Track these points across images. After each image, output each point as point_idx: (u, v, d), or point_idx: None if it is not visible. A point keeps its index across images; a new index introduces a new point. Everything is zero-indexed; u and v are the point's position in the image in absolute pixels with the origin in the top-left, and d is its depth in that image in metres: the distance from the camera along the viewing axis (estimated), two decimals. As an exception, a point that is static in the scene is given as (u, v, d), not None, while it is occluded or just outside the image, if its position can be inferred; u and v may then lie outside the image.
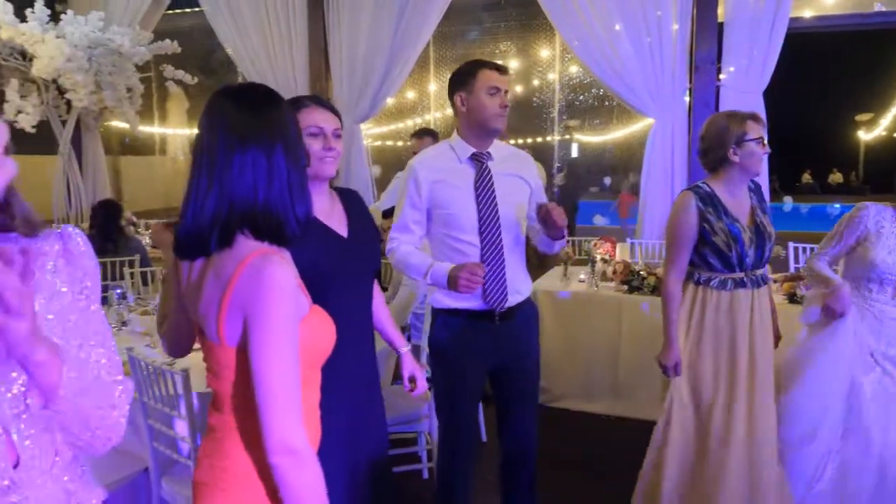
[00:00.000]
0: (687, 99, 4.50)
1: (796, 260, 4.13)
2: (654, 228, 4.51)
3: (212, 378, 1.19)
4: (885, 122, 17.69)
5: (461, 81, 2.06)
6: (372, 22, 5.05)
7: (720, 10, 4.35)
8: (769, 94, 4.26)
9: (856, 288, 2.34)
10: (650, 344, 3.28)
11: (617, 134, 8.63)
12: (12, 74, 5.07)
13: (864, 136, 19.06)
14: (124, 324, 2.98)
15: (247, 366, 1.07)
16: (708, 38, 4.35)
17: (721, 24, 4.35)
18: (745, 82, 4.30)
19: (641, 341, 3.55)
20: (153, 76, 6.20)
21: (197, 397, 2.06)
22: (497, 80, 2.02)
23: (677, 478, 2.24)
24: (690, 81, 4.46)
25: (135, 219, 5.90)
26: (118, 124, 6.38)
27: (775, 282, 3.56)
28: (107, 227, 4.20)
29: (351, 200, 1.74)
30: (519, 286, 2.12)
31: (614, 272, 3.83)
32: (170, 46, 5.43)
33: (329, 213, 1.65)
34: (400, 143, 8.41)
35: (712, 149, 2.18)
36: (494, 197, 2.05)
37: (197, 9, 5.64)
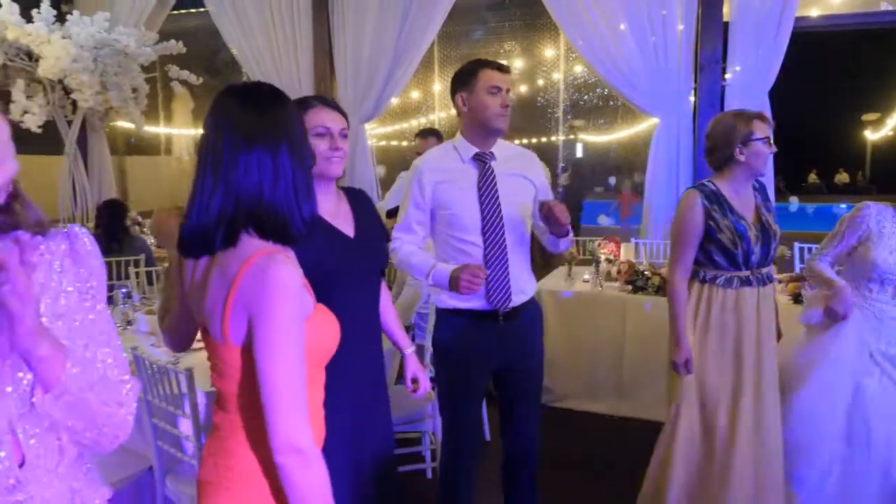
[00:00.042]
0: (692, 99, 4.48)
1: (801, 260, 4.12)
2: (659, 228, 4.50)
3: (216, 377, 1.19)
4: (891, 122, 17.58)
5: (462, 81, 2.05)
6: (376, 22, 5.05)
7: (725, 10, 4.33)
8: (775, 94, 4.24)
9: (856, 287, 2.34)
10: (654, 344, 3.28)
11: (622, 134, 8.60)
12: (18, 75, 5.09)
13: (871, 135, 18.95)
14: (129, 323, 3.00)
15: (252, 365, 1.08)
16: (713, 37, 4.33)
17: (726, 24, 4.33)
18: (750, 82, 4.28)
19: (645, 341, 3.54)
20: (158, 76, 6.22)
21: (205, 396, 2.07)
22: (498, 80, 2.01)
23: (685, 477, 2.23)
24: (695, 81, 4.44)
25: (140, 218, 5.92)
26: (124, 124, 6.39)
27: (780, 282, 3.55)
28: (112, 227, 4.22)
29: (358, 200, 1.74)
30: (523, 286, 2.11)
31: (618, 272, 3.83)
32: (175, 47, 5.44)
33: (335, 212, 1.65)
34: (404, 144, 8.41)
35: (718, 147, 2.17)
36: (497, 197, 2.05)
37: (202, 9, 5.66)
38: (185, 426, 2.10)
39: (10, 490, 0.83)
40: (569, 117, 8.18)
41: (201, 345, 1.25)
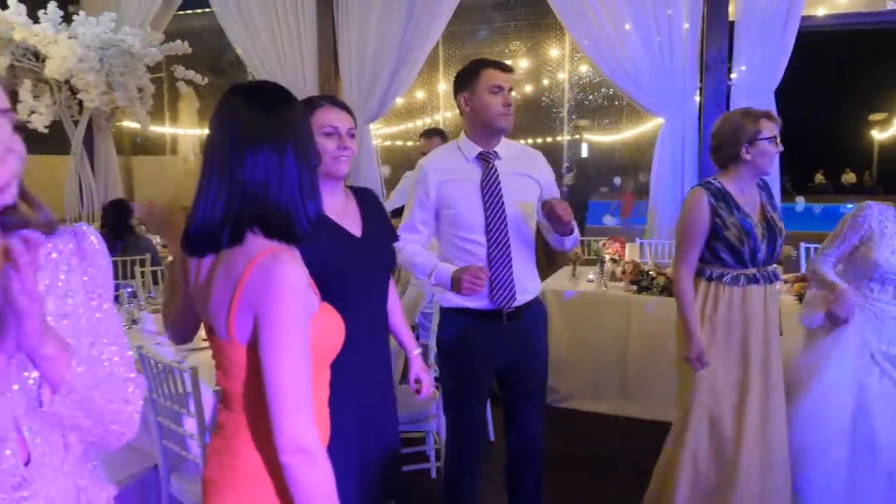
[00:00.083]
0: (697, 98, 4.47)
1: (808, 260, 4.10)
2: (664, 228, 4.49)
3: (221, 376, 1.19)
4: (898, 122, 17.48)
5: (464, 81, 2.05)
6: (381, 22, 5.06)
7: (731, 9, 4.32)
8: (781, 94, 4.22)
9: (857, 287, 2.33)
10: (659, 344, 3.27)
11: (627, 134, 8.58)
12: (25, 75, 5.11)
13: (878, 135, 18.83)
14: (134, 322, 3.01)
15: (257, 364, 1.08)
16: (718, 36, 4.32)
17: (732, 23, 4.31)
18: (756, 81, 4.26)
19: (650, 342, 3.53)
20: (164, 76, 6.23)
21: (213, 395, 2.07)
22: (500, 79, 2.01)
23: (693, 476, 2.23)
24: (701, 81, 4.43)
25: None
26: (129, 124, 6.42)
27: (786, 282, 3.54)
28: (118, 227, 4.24)
29: (366, 199, 1.74)
30: (527, 285, 2.11)
31: (623, 272, 3.82)
32: (180, 47, 5.46)
33: (342, 212, 1.65)
34: (409, 143, 8.41)
35: (725, 145, 2.17)
36: (501, 196, 2.04)
37: (207, 9, 5.67)
38: (190, 425, 2.11)
39: (15, 488, 0.84)
40: (574, 117, 8.16)
41: (206, 344, 1.25)
